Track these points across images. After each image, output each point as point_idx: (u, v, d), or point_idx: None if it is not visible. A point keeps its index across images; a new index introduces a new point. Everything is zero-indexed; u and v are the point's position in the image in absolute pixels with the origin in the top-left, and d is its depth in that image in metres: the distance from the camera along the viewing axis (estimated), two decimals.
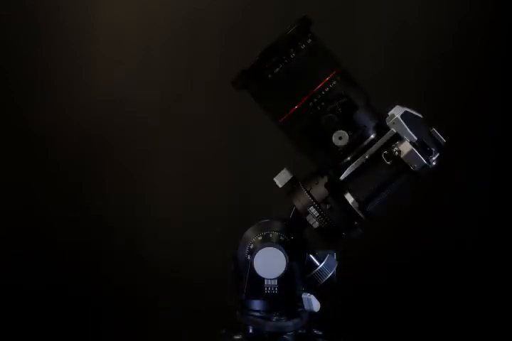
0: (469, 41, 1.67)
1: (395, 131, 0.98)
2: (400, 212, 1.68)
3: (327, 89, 0.99)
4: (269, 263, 1.00)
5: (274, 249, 1.00)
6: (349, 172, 0.99)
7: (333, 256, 1.06)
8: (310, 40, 1.00)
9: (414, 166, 0.97)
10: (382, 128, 0.99)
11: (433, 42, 1.67)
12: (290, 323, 1.02)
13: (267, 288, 1.01)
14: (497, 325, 1.69)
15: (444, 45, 1.67)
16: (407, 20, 1.67)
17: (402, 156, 0.97)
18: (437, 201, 1.68)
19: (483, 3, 1.66)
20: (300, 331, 1.03)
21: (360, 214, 0.99)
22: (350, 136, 0.99)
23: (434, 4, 1.67)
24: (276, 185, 1.04)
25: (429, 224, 1.68)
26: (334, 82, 1.00)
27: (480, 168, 1.69)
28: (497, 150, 1.68)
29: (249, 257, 1.02)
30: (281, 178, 1.04)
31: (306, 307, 1.01)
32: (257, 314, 1.02)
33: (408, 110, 1.00)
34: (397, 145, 0.97)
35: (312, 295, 1.01)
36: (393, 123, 0.98)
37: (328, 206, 1.01)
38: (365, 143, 0.99)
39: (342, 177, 0.99)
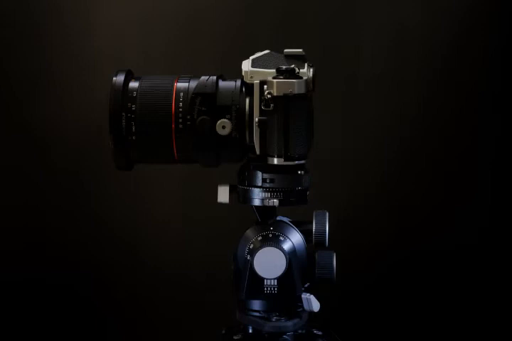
0: (469, 41, 1.67)
1: (258, 81, 0.98)
2: (400, 212, 1.68)
3: (181, 104, 1.00)
4: (269, 263, 1.00)
5: (274, 248, 1.00)
6: (257, 143, 0.98)
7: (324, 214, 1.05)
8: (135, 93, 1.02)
9: (291, 91, 0.96)
10: (246, 86, 0.99)
11: (433, 43, 1.67)
12: (290, 323, 1.01)
13: (267, 288, 1.01)
14: (497, 324, 1.69)
15: (444, 46, 1.67)
16: (407, 20, 1.67)
17: (275, 94, 0.96)
18: (437, 201, 1.68)
19: (483, 3, 1.66)
20: (300, 331, 1.03)
21: (291, 163, 0.99)
22: (229, 119, 0.99)
23: (435, 4, 1.67)
24: None
25: (429, 224, 1.68)
26: (181, 94, 1.00)
27: (480, 167, 1.69)
28: (497, 150, 1.68)
29: (249, 257, 1.02)
30: (223, 195, 1.04)
31: (306, 307, 1.01)
32: (257, 314, 1.02)
33: (256, 56, 1.01)
34: (265, 90, 0.97)
35: (312, 295, 1.01)
36: (251, 77, 0.98)
37: (268, 181, 1.00)
38: (247, 111, 0.99)
39: (258, 152, 0.99)
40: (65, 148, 1.71)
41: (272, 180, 1.00)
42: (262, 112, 0.98)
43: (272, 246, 1.00)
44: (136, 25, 1.69)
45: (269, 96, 0.96)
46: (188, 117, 0.99)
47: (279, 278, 1.00)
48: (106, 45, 1.69)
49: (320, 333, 1.06)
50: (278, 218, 1.05)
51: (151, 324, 1.74)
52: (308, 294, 1.01)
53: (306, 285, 1.03)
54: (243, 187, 1.02)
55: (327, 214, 1.04)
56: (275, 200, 1.00)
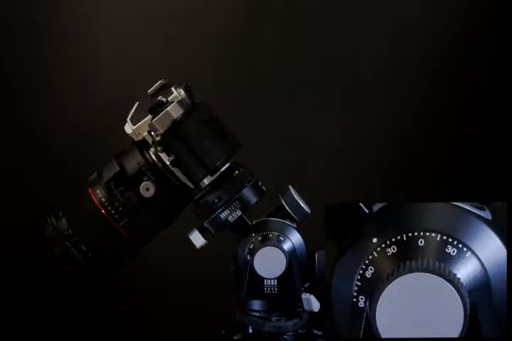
0: (469, 41, 1.67)
1: (145, 133, 0.99)
2: None
3: (103, 200, 1.01)
4: (269, 263, 1.00)
5: (274, 248, 1.00)
6: (185, 179, 0.99)
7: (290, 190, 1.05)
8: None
9: (171, 119, 0.96)
10: (141, 144, 1.00)
11: (433, 43, 1.67)
12: (290, 323, 1.01)
13: (267, 288, 1.01)
14: None
15: (444, 46, 1.67)
16: (407, 20, 1.67)
17: (162, 131, 0.96)
18: (437, 201, 1.68)
19: (483, 3, 1.66)
20: (300, 331, 1.03)
21: (218, 173, 1.00)
22: (148, 180, 0.99)
23: (435, 4, 1.67)
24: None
25: None
26: (97, 191, 1.02)
27: (480, 167, 1.69)
28: (497, 150, 1.68)
29: (249, 257, 1.02)
30: (198, 239, 1.07)
31: (306, 307, 1.01)
32: (257, 314, 1.02)
33: (130, 115, 1.02)
34: (153, 136, 0.97)
35: (312, 295, 1.01)
36: (139, 133, 0.99)
37: (217, 200, 1.02)
38: (157, 162, 1.00)
39: (192, 186, 1.00)
40: (65, 148, 1.71)
41: (219, 198, 1.01)
42: (167, 153, 0.98)
43: (272, 246, 1.00)
44: (136, 25, 1.69)
45: (158, 138, 0.97)
46: (117, 204, 1.00)
47: (279, 278, 1.00)
48: (106, 45, 1.69)
49: (320, 333, 1.06)
50: (261, 219, 1.05)
51: (151, 324, 1.74)
52: (308, 294, 1.01)
53: (306, 285, 1.03)
54: (206, 221, 1.03)
55: (290, 187, 1.04)
56: (237, 212, 1.01)
